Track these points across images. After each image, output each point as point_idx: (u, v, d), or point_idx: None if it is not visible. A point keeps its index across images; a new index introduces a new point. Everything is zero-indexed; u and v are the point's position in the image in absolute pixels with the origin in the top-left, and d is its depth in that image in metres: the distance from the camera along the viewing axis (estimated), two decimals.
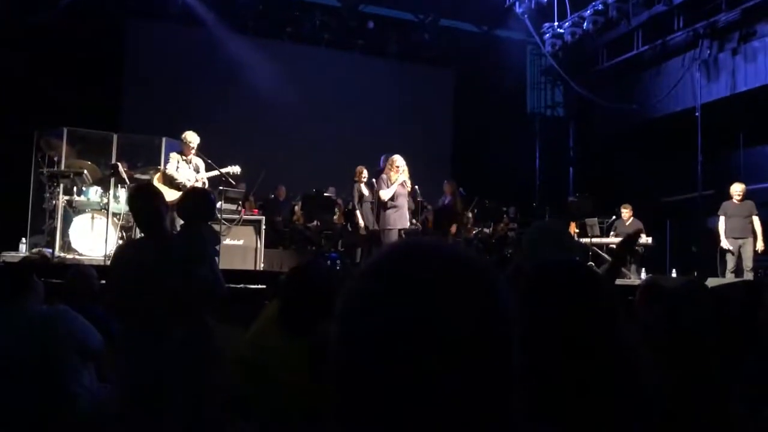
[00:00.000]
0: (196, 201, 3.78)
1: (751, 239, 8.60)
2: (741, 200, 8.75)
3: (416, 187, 8.27)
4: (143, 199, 3.46)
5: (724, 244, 8.69)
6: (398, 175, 7.69)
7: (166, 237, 3.48)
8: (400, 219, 7.71)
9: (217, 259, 4.39)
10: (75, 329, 3.14)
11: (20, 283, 3.15)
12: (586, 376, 1.28)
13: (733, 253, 8.61)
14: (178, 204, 3.89)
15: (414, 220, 8.82)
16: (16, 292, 3.11)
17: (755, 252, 8.60)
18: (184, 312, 3.17)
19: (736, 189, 8.80)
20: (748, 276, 8.20)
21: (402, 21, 13.89)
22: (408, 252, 0.79)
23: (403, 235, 7.68)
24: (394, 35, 13.63)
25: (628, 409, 1.29)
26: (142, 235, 3.53)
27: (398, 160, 7.80)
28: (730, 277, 8.19)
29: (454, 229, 9.86)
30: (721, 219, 8.79)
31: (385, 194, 7.70)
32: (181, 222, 3.91)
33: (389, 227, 7.74)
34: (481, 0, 12.91)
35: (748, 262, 8.51)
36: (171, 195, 7.25)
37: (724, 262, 8.87)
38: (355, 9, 13.34)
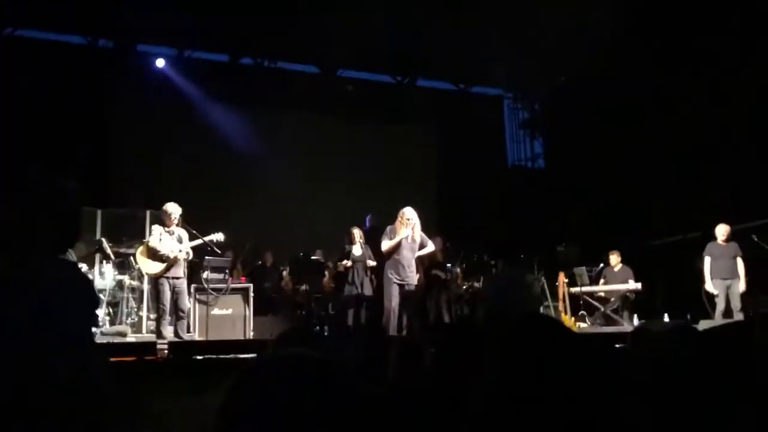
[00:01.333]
0: (30, 209, 1.89)
1: (738, 280, 8.57)
2: (726, 241, 8.74)
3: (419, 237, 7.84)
4: None
5: (709, 287, 8.64)
6: (405, 229, 7.61)
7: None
8: (397, 273, 7.62)
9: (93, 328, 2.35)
10: None
11: None
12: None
13: (716, 296, 8.56)
14: None
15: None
16: None
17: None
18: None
19: (721, 230, 8.79)
20: (738, 317, 8.14)
21: (380, 83, 14.25)
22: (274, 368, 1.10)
23: (400, 289, 7.59)
24: (373, 97, 13.87)
25: None
26: None
27: (408, 212, 7.69)
28: (720, 319, 8.12)
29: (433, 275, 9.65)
30: (707, 260, 8.75)
31: (383, 245, 7.70)
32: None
33: (386, 280, 7.67)
34: (456, 58, 13.21)
35: (736, 303, 8.46)
36: (155, 267, 7.26)
37: (712, 305, 8.77)
38: (334, 74, 13.65)
